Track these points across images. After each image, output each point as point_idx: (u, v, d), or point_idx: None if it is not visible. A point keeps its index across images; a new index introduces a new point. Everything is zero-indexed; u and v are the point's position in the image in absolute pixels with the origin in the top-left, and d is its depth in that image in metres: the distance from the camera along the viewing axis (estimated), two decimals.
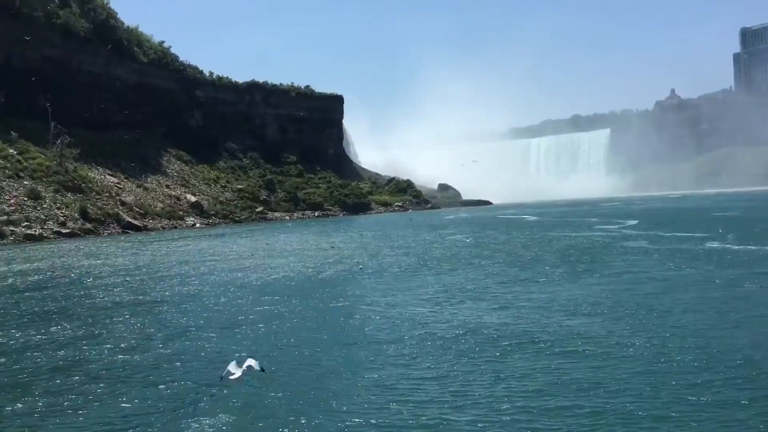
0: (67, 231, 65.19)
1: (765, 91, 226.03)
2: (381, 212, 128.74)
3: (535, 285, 22.26)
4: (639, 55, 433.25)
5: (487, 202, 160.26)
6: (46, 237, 61.97)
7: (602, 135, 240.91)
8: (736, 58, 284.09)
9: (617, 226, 50.36)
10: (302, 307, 20.06)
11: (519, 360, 12.87)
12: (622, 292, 19.89)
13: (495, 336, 14.87)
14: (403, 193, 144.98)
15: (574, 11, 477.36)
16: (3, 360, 14.62)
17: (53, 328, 18.04)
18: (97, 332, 17.44)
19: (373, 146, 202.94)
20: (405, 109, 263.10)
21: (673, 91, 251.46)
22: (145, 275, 30.26)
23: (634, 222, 55.02)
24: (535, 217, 74.35)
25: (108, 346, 15.65)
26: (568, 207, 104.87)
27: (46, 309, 21.62)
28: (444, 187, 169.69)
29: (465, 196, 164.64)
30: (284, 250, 42.40)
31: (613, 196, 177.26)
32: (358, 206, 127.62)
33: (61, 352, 15.15)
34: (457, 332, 15.41)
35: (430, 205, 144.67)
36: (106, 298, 23.63)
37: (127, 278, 29.18)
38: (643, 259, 27.92)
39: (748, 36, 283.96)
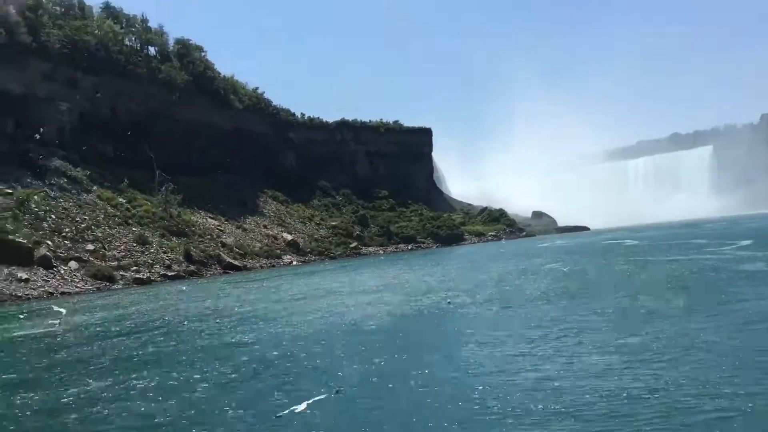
0: (173, 273, 68.31)
1: None
2: (474, 242, 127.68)
3: (648, 322, 20.84)
4: (738, 68, 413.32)
5: (584, 228, 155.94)
6: (153, 280, 65.10)
7: (704, 152, 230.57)
8: None
9: (730, 248, 47.71)
10: (386, 348, 20.01)
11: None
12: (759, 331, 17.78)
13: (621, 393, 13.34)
14: (496, 222, 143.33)
15: (667, 28, 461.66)
16: (98, 407, 15.33)
17: (148, 372, 18.81)
18: (195, 376, 18.04)
19: (464, 177, 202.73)
20: (495, 137, 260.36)
21: None
22: (234, 316, 31.12)
23: (747, 242, 52.00)
24: (636, 241, 71.53)
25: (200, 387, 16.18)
26: (671, 229, 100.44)
27: (140, 353, 22.62)
28: (538, 215, 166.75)
29: (561, 223, 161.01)
30: (373, 285, 42.64)
31: (720, 215, 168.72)
32: (450, 237, 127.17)
33: (153, 395, 15.77)
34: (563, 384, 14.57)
35: (524, 233, 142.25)
36: (199, 341, 24.46)
37: (218, 320, 30.12)
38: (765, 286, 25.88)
39: None
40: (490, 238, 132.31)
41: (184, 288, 54.48)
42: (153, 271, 67.39)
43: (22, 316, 37.76)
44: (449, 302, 29.56)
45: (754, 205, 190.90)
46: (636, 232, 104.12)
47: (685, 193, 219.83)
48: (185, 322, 29.95)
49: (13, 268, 54.44)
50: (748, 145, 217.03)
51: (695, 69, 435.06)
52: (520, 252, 73.89)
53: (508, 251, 79.00)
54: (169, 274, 67.85)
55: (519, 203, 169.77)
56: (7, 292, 50.03)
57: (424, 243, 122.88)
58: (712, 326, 18.73)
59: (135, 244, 71.66)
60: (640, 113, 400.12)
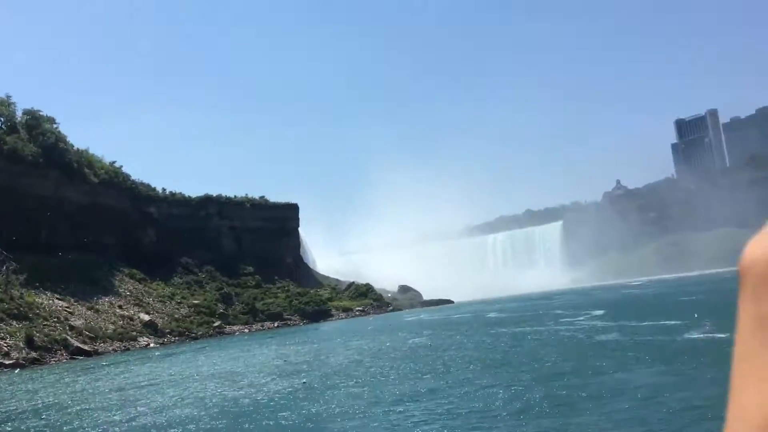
0: (11, 362, 61.63)
1: (705, 178, 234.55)
2: (342, 317, 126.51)
3: (498, 396, 21.00)
4: (582, 150, 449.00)
5: (449, 301, 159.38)
6: None
7: (555, 228, 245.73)
8: (675, 147, 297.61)
9: (584, 318, 49.86)
10: None
11: None
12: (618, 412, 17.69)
13: None
14: (363, 297, 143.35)
15: (519, 114, 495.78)
16: None
17: None
18: None
19: (330, 252, 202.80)
20: (361, 212, 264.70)
21: (618, 181, 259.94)
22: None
23: (600, 312, 54.68)
24: (497, 314, 73.69)
25: None
26: (529, 301, 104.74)
27: None
28: (405, 289, 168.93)
29: (426, 296, 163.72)
30: (229, 371, 40.37)
31: (573, 287, 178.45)
32: (318, 313, 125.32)
33: None
34: None
35: (391, 307, 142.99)
36: None
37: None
38: (621, 357, 26.57)
39: (683, 127, 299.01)
40: (357, 313, 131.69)
41: None
42: None
43: None
44: (305, 381, 28.34)
45: (603, 277, 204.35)
46: (496, 303, 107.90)
47: (539, 265, 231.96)
48: None
49: None
50: (594, 220, 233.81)
51: (549, 148, 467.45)
52: (387, 327, 73.73)
53: (376, 325, 78.66)
54: (7, 362, 61.18)
55: (385, 277, 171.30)
56: None
57: (290, 320, 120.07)
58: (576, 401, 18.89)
59: None
60: (500, 191, 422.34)
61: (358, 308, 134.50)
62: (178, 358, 57.91)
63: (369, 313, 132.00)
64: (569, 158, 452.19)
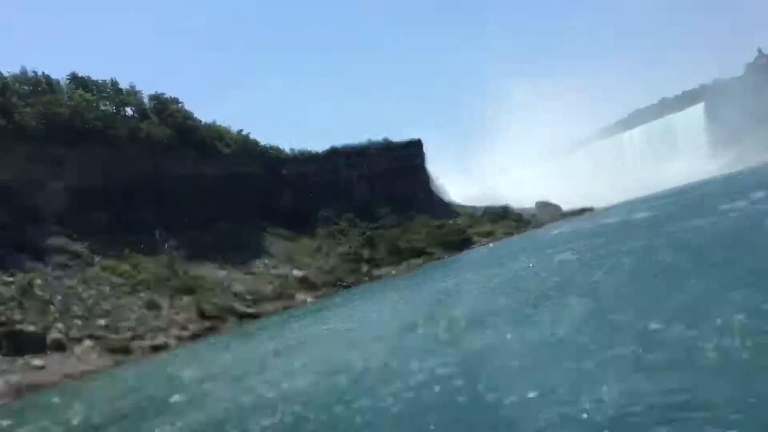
0: (189, 334, 66.87)
1: None
2: (485, 243, 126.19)
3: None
4: (713, 20, 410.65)
5: (589, 209, 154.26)
6: (170, 344, 63.72)
7: (696, 112, 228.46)
8: None
9: (745, 203, 45.89)
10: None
11: None
12: None
13: None
14: (502, 219, 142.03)
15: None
16: None
17: None
18: None
19: (462, 180, 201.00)
20: (487, 134, 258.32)
21: (760, 50, 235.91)
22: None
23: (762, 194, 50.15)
24: (645, 213, 69.83)
25: None
26: (677, 194, 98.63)
27: None
28: (543, 204, 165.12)
29: (565, 208, 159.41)
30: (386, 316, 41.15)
31: (722, 173, 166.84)
32: (460, 243, 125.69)
33: None
34: None
35: (531, 224, 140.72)
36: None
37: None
38: None
39: None
40: (499, 236, 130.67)
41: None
42: (169, 334, 66.01)
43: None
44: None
45: (755, 158, 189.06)
46: (641, 203, 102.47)
47: (682, 156, 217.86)
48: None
49: (27, 357, 53.15)
50: (739, 96, 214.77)
51: (675, 28, 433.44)
52: (530, 245, 72.34)
53: (520, 246, 77.43)
54: (185, 334, 66.45)
55: (521, 196, 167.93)
56: (25, 383, 48.68)
57: (434, 254, 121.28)
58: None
59: (146, 311, 70.32)
60: (628, 83, 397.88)
61: (499, 231, 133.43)
62: (333, 311, 59.97)
63: (511, 234, 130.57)
64: (700, 32, 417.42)
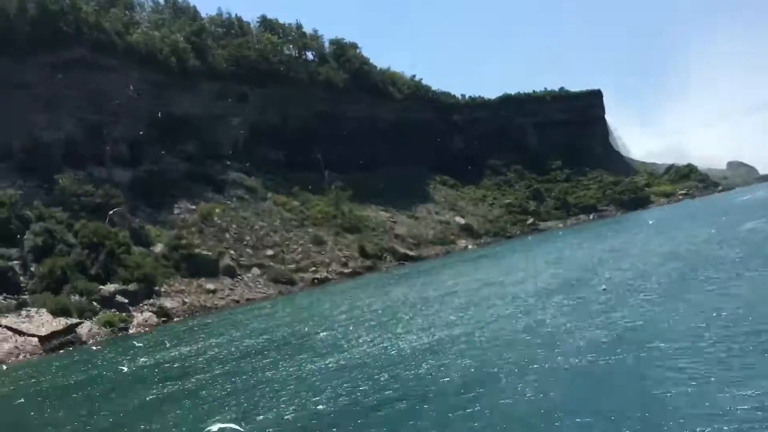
0: (349, 270, 69.26)
1: None
2: (663, 203, 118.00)
3: None
4: None
5: None
6: (331, 279, 66.36)
7: None
8: None
9: None
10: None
11: None
12: None
13: None
14: (685, 179, 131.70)
15: None
16: None
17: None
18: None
19: (645, 135, 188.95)
20: (676, 88, 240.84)
21: None
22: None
23: None
24: None
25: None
26: None
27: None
28: (735, 165, 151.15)
29: (762, 171, 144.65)
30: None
31: None
32: (635, 201, 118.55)
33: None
34: None
35: (720, 187, 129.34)
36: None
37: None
38: None
39: None
40: (680, 197, 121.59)
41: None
42: (330, 269, 68.73)
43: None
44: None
45: None
46: None
47: None
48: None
49: (202, 280, 57.68)
50: None
51: None
52: (712, 211, 66.10)
53: (699, 210, 71.20)
54: (346, 271, 68.89)
55: (711, 155, 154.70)
56: (198, 303, 52.95)
57: (605, 211, 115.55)
58: None
59: (311, 245, 73.54)
60: None
61: (680, 192, 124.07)
62: (492, 260, 58.98)
63: (694, 196, 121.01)
64: None
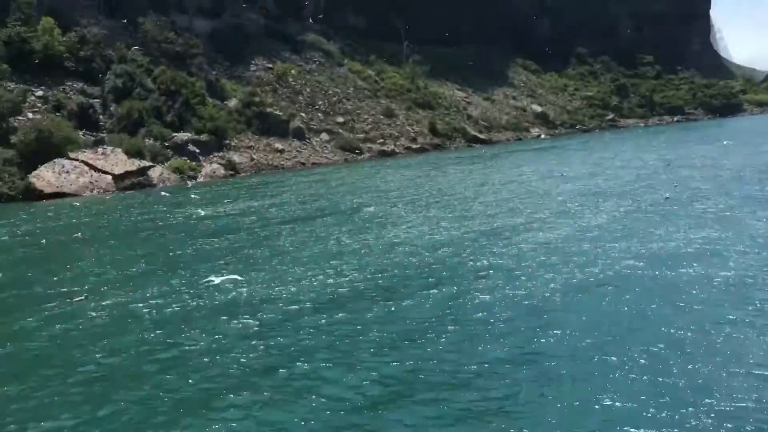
0: (417, 146, 68.88)
1: None
2: (756, 113, 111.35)
3: None
4: None
5: None
6: (398, 153, 66.25)
7: None
8: None
9: None
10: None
11: None
12: None
13: None
14: None
15: None
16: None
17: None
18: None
19: (749, 38, 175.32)
20: None
21: None
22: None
23: None
24: None
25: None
26: None
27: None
28: None
29: None
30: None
31: None
32: (726, 108, 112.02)
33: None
34: None
35: None
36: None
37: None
38: None
39: None
40: None
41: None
42: (398, 143, 68.49)
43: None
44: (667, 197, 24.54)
45: None
46: None
47: None
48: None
49: (271, 139, 58.53)
50: None
51: None
52: None
53: None
54: (414, 146, 68.52)
55: None
56: (264, 161, 54.02)
57: (692, 114, 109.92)
58: None
59: (382, 117, 73.05)
60: None
61: None
62: (561, 151, 57.51)
63: None
64: None
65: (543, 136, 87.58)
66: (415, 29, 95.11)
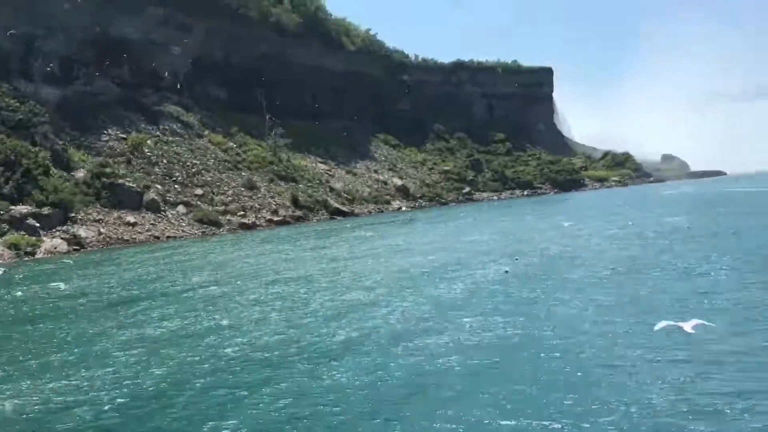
0: (279, 219, 67.94)
1: None
2: (596, 188, 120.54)
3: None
4: None
5: (720, 173, 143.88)
6: (258, 225, 65.03)
7: None
8: None
9: None
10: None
11: None
12: None
13: None
14: (620, 167, 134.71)
15: None
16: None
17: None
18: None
19: (588, 119, 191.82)
20: (625, 74, 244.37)
21: None
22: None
23: None
24: None
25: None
26: None
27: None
28: (668, 158, 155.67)
29: (694, 167, 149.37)
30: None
31: None
32: (570, 183, 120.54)
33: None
34: None
35: (652, 178, 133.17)
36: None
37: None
38: None
39: None
40: (612, 183, 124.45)
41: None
42: (259, 216, 67.34)
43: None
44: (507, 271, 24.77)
45: None
46: None
47: None
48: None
49: (123, 211, 55.63)
50: None
51: None
52: (639, 201, 67.61)
53: (627, 199, 72.74)
54: (275, 219, 67.56)
55: (648, 146, 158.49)
56: (114, 235, 51.04)
57: (540, 189, 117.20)
58: None
59: (243, 189, 71.85)
60: None
61: (614, 178, 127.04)
62: (423, 223, 58.81)
63: (626, 185, 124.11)
64: None
65: (404, 208, 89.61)
66: (277, 102, 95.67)
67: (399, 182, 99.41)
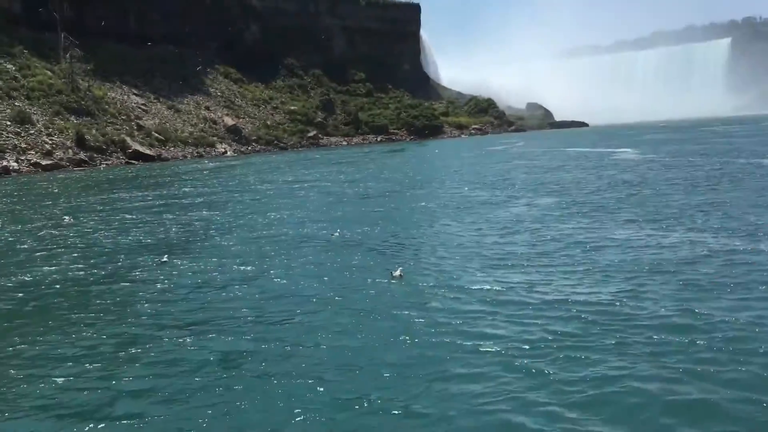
0: (49, 162, 54.12)
1: None
2: (454, 136, 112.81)
3: None
4: None
5: (582, 124, 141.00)
6: (19, 169, 51.25)
7: (721, 46, 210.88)
8: None
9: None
10: None
11: None
12: None
13: None
14: (483, 114, 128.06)
15: None
16: None
17: None
18: None
19: (457, 62, 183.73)
20: (498, 20, 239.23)
21: None
22: None
23: None
24: (633, 152, 54.39)
25: None
26: (688, 130, 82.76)
27: None
28: (534, 107, 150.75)
29: (558, 117, 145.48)
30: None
31: (736, 114, 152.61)
32: (428, 129, 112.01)
33: None
34: None
35: (513, 127, 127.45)
36: None
37: None
38: None
39: None
40: (473, 131, 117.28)
41: None
42: (23, 158, 53.34)
43: None
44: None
45: None
46: (642, 131, 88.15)
47: (698, 90, 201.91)
48: None
49: None
50: (765, 39, 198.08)
51: None
52: (469, 157, 58.91)
53: (486, 148, 63.89)
54: (44, 162, 53.67)
55: (514, 93, 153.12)
56: None
57: (396, 135, 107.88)
58: None
59: (9, 123, 57.22)
60: (658, 2, 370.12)
61: (474, 126, 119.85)
62: (234, 170, 47.15)
63: (487, 132, 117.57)
64: None
65: (230, 153, 77.37)
66: (88, 21, 79.94)
67: (230, 122, 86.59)
